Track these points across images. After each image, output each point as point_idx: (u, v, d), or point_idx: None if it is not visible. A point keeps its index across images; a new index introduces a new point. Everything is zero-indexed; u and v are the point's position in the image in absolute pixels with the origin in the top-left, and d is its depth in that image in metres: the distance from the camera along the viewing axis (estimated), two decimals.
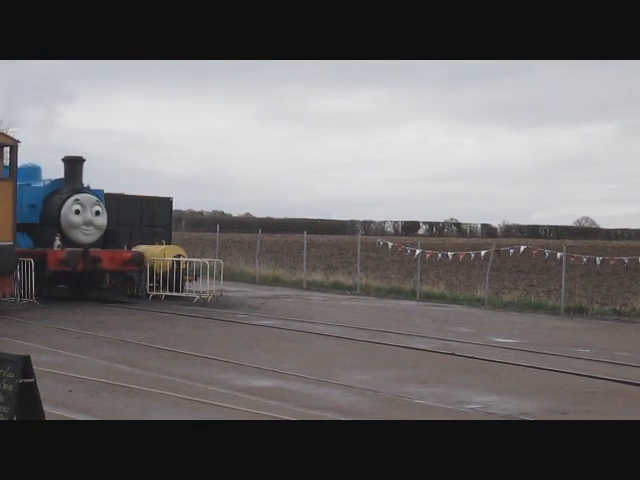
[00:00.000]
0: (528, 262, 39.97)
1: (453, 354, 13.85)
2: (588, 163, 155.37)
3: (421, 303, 23.58)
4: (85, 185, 23.21)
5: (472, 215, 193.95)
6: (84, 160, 23.29)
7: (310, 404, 9.77)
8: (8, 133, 25.69)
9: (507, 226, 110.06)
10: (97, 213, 22.55)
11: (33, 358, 6.49)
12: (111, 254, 22.20)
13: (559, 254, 22.37)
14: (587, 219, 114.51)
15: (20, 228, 21.20)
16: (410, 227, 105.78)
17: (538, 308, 21.97)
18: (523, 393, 10.78)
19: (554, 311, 21.39)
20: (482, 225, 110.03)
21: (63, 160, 23.02)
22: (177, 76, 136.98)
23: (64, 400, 9.65)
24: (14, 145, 19.51)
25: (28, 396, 6.34)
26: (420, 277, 26.11)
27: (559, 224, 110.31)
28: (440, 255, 26.64)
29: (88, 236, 22.37)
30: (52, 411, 8.09)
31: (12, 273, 19.01)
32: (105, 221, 22.73)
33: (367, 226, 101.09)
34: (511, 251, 25.73)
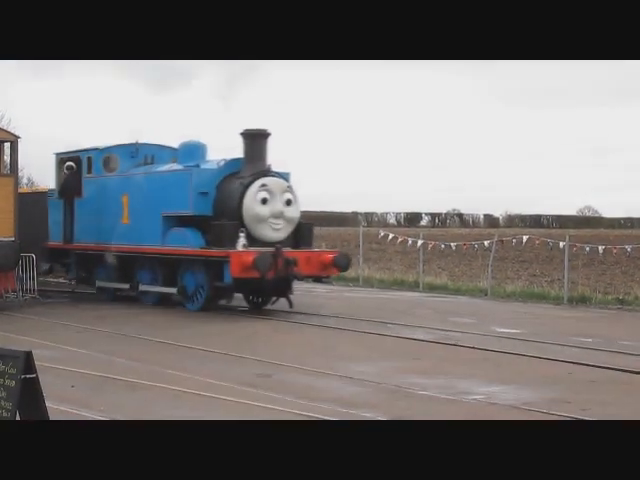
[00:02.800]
0: (531, 252, 39.94)
1: (456, 345, 13.84)
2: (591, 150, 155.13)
3: (424, 294, 23.56)
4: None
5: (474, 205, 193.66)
6: (269, 134, 18.48)
7: (311, 396, 9.77)
8: (9, 129, 25.66)
9: (509, 216, 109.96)
10: (288, 202, 17.87)
11: (35, 353, 6.49)
12: (308, 255, 17.89)
13: (562, 243, 22.34)
14: (590, 208, 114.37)
15: (186, 222, 18.33)
16: (412, 218, 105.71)
17: (541, 298, 21.96)
18: (526, 383, 10.78)
19: (557, 301, 21.37)
20: (484, 215, 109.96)
21: (242, 134, 18.32)
22: None
23: (66, 395, 9.66)
24: (15, 141, 19.48)
25: (30, 392, 6.34)
26: (423, 268, 26.11)
27: (562, 213, 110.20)
28: (443, 246, 26.60)
29: (277, 232, 17.79)
30: (55, 406, 8.09)
31: (14, 269, 19.01)
32: (298, 212, 18.18)
33: (369, 218, 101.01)
34: (514, 241, 25.70)
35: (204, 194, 17.99)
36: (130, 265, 19.90)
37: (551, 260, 35.85)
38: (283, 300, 18.00)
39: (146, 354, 12.82)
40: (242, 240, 17.14)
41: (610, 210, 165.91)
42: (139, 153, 20.69)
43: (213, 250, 17.37)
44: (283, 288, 17.73)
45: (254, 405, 9.25)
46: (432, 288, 24.65)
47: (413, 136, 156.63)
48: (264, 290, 18.12)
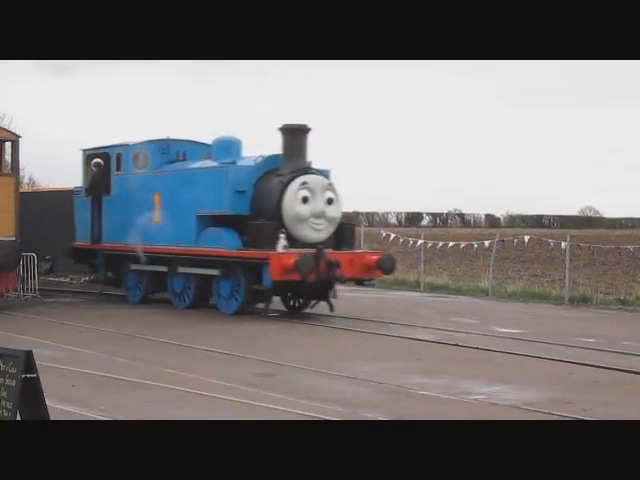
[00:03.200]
0: (532, 252, 39.93)
1: (457, 345, 13.82)
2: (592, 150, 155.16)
3: (425, 294, 23.56)
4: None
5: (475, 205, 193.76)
6: (309, 129, 17.60)
7: (313, 396, 9.75)
8: (10, 128, 25.66)
9: (511, 216, 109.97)
10: (330, 201, 17.17)
11: (36, 353, 6.48)
12: (350, 257, 17.18)
13: (563, 244, 22.33)
14: (591, 208, 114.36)
15: (221, 221, 17.66)
16: (414, 218, 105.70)
17: (542, 298, 21.95)
18: (527, 383, 10.76)
19: (558, 301, 21.36)
20: (486, 215, 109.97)
21: (281, 130, 17.56)
22: None
23: (67, 395, 9.64)
24: (15, 140, 19.49)
25: (31, 391, 6.33)
26: (424, 268, 26.10)
27: (563, 213, 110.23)
28: (441, 244, 26.58)
29: (318, 232, 17.10)
30: (55, 406, 8.08)
31: (15, 268, 19.00)
32: (340, 212, 17.53)
33: (370, 217, 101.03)
34: (515, 241, 25.69)
35: (241, 192, 17.27)
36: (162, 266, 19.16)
37: (552, 260, 35.83)
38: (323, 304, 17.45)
39: (149, 354, 12.81)
40: (282, 241, 16.46)
41: (611, 210, 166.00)
42: (170, 149, 19.85)
43: (251, 251, 16.66)
44: (324, 291, 17.09)
45: (256, 405, 9.24)
46: (433, 288, 24.65)
47: (414, 136, 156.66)
48: (304, 293, 17.56)
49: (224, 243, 17.24)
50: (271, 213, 16.86)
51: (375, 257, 17.29)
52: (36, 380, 6.34)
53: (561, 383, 10.79)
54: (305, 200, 16.85)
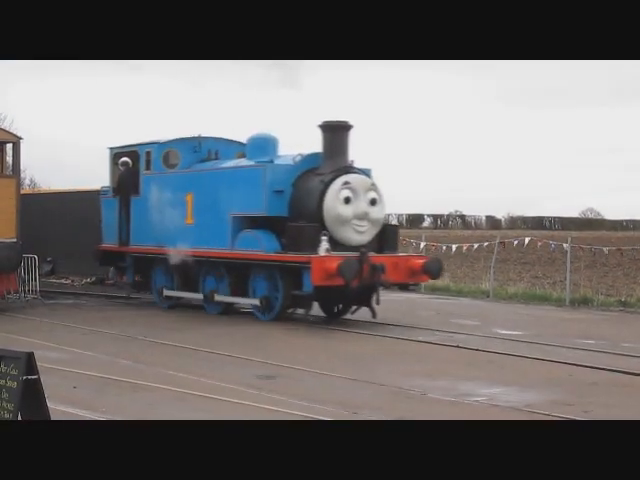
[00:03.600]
0: (533, 254, 39.95)
1: (458, 346, 13.83)
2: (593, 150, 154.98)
3: (426, 295, 23.55)
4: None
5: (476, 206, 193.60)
6: (351, 127, 16.82)
7: (314, 398, 9.76)
8: (11, 130, 25.70)
9: (512, 218, 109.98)
10: (373, 202, 16.33)
11: (37, 354, 6.48)
12: (395, 260, 16.40)
13: (564, 245, 22.33)
14: (592, 210, 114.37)
15: (257, 223, 16.93)
16: (415, 220, 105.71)
17: (543, 300, 21.94)
18: (528, 385, 10.77)
19: (559, 302, 21.35)
20: (486, 217, 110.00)
21: (321, 127, 16.71)
22: None
23: (69, 396, 9.65)
24: (17, 142, 19.51)
25: (32, 393, 6.33)
26: None
27: (564, 215, 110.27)
28: (444, 247, 26.57)
29: (361, 234, 16.29)
30: (57, 408, 8.09)
31: (16, 270, 19.02)
32: (383, 213, 16.81)
33: None
34: (515, 242, 25.68)
35: (279, 192, 16.47)
36: (194, 270, 18.28)
37: (553, 262, 35.84)
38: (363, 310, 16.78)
39: (151, 356, 12.81)
40: (325, 244, 15.65)
41: (612, 212, 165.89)
42: (202, 147, 19.17)
43: (291, 255, 15.89)
44: (366, 297, 16.32)
45: (257, 407, 9.24)
46: (434, 289, 24.62)
47: (414, 136, 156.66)
48: (347, 299, 16.72)
49: (261, 246, 16.51)
50: (311, 214, 16.12)
51: (421, 261, 16.56)
52: (37, 382, 6.35)
53: (561, 385, 10.80)
54: (347, 201, 16.10)
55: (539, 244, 25.64)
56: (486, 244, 25.29)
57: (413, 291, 20.03)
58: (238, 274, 17.42)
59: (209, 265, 17.99)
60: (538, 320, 17.91)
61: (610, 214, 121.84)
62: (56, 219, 26.19)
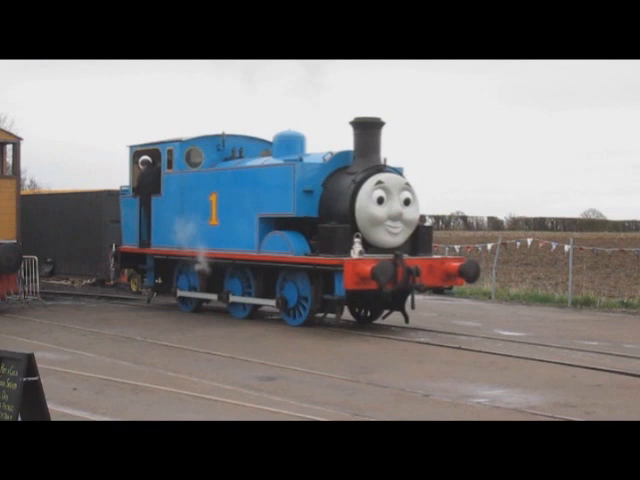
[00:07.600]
0: (535, 255, 39.92)
1: (460, 348, 13.79)
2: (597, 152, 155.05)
3: (427, 297, 23.49)
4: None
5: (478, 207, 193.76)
6: (383, 123, 16.05)
7: (315, 399, 9.72)
8: (11, 130, 25.68)
9: (514, 219, 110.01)
10: (407, 202, 15.65)
11: (37, 356, 6.46)
12: (430, 263, 15.76)
13: (566, 246, 22.29)
14: (594, 211, 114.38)
15: (285, 224, 16.33)
16: None
17: (545, 301, 21.90)
18: (530, 386, 10.73)
19: (561, 304, 21.31)
20: (488, 218, 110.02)
21: (352, 124, 15.97)
22: None
23: (69, 398, 9.62)
24: (17, 142, 19.49)
25: (32, 394, 6.31)
26: None
27: (566, 216, 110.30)
28: (447, 249, 26.53)
29: (395, 236, 15.58)
30: (57, 409, 8.07)
31: (16, 271, 18.99)
32: (418, 214, 16.07)
33: None
34: (518, 243, 25.65)
35: (309, 192, 15.80)
36: (218, 273, 17.74)
37: (555, 263, 35.81)
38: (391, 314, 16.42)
39: (151, 357, 12.78)
40: (358, 246, 14.99)
41: (614, 213, 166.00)
42: (226, 146, 18.51)
43: (322, 257, 15.18)
44: (400, 301, 15.84)
45: (258, 408, 9.21)
46: (436, 290, 24.53)
47: (415, 137, 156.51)
48: (381, 303, 16.08)
49: (290, 248, 15.81)
50: (342, 215, 15.45)
51: (457, 263, 15.90)
52: (37, 383, 6.33)
53: (564, 386, 10.75)
54: (380, 201, 15.35)
55: (541, 245, 25.59)
56: (490, 246, 25.22)
57: (451, 295, 19.36)
58: (265, 277, 16.93)
59: (234, 267, 17.45)
60: (540, 321, 17.87)
61: (612, 215, 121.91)
62: (56, 220, 26.16)
